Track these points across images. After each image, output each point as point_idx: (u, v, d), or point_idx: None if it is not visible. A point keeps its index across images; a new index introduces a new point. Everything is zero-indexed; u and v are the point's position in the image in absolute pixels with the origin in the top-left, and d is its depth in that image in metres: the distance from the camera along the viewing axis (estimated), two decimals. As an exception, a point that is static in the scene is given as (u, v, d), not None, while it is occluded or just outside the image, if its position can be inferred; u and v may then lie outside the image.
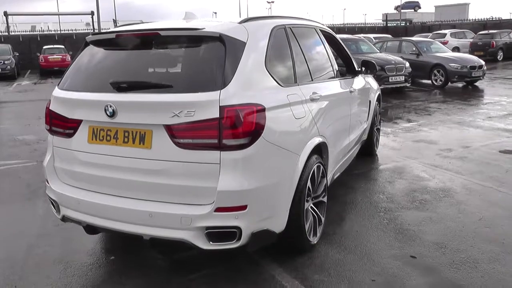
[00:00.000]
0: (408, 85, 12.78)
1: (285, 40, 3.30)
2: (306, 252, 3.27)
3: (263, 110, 2.61)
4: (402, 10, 47.26)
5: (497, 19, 27.02)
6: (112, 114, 2.65)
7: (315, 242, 3.34)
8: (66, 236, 3.71)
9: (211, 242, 2.56)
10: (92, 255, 3.41)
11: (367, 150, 5.84)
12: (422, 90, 13.17)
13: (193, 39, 2.79)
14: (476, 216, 3.96)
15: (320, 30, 4.27)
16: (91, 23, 37.06)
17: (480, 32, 23.47)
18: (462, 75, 13.04)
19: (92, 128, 2.83)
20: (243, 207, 2.53)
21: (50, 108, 3.09)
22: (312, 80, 3.56)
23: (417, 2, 56.84)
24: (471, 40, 23.40)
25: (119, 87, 2.69)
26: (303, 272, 3.04)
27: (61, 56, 22.23)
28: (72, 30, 29.41)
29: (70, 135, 2.94)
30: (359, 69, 5.08)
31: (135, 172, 2.68)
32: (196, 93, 2.51)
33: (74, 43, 26.56)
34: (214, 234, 2.54)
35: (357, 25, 36.35)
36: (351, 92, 4.49)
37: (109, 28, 30.15)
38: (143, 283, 3.00)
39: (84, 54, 3.16)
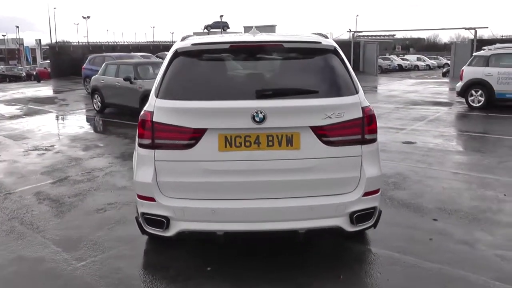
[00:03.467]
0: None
1: None
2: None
3: None
4: (211, 30, 50.38)
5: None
6: (262, 120, 2.79)
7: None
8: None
9: (357, 224, 2.99)
10: (187, 266, 3.36)
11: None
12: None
13: (311, 51, 3.15)
14: (439, 187, 5.21)
15: None
16: None
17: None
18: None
19: (224, 136, 2.86)
20: (378, 190, 3.06)
21: (154, 120, 2.92)
22: None
23: (226, 22, 60.89)
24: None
25: (265, 94, 2.87)
26: (384, 244, 3.66)
27: None
28: None
29: (189, 146, 2.89)
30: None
31: (283, 172, 2.89)
32: (343, 97, 2.94)
33: None
34: (359, 216, 2.98)
35: (170, 43, 37.17)
36: None
37: None
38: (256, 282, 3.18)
39: (184, 62, 3.08)
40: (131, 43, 36.32)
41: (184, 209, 2.92)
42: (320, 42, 3.12)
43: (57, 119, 11.84)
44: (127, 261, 3.52)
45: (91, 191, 5.34)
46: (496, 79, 11.14)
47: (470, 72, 11.71)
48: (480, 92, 11.49)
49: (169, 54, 3.18)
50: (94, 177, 5.96)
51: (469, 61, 12.18)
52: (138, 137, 3.02)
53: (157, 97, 2.99)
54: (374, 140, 3.04)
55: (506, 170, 5.87)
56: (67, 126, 10.71)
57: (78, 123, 11.11)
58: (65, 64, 29.73)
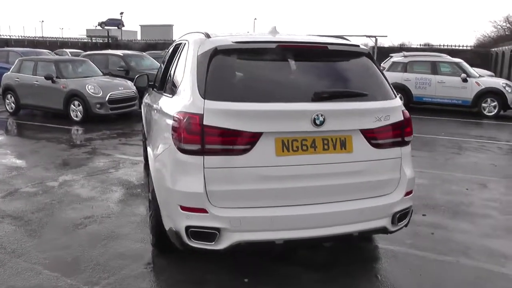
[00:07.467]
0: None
1: None
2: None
3: None
4: (105, 27, 49.02)
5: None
6: (322, 123, 2.75)
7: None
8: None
9: (398, 224, 3.09)
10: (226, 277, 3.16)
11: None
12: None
13: (352, 54, 3.19)
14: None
15: None
16: None
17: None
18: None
19: (281, 140, 2.75)
20: (412, 191, 3.20)
21: (205, 123, 2.69)
22: None
23: (121, 20, 58.41)
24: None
25: (322, 97, 2.83)
26: (394, 241, 3.80)
27: None
28: None
29: (244, 151, 2.72)
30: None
31: (338, 176, 2.88)
32: (389, 100, 3.03)
33: None
34: (400, 216, 3.09)
35: (59, 39, 35.69)
36: None
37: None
38: None
39: (226, 61, 2.90)
40: (26, 37, 33.02)
41: (241, 219, 2.74)
42: (358, 46, 3.19)
43: (-37, 123, 10.29)
44: (148, 279, 3.21)
45: (54, 205, 4.73)
46: (414, 84, 12.32)
47: (390, 77, 12.53)
48: (399, 95, 12.53)
49: (202, 51, 2.93)
50: (49, 188, 5.30)
51: (387, 66, 13.27)
52: (182, 142, 2.75)
53: (204, 98, 2.76)
54: (409, 142, 3.18)
55: (455, 166, 6.53)
56: (-21, 131, 9.37)
57: (-8, 127, 9.79)
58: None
